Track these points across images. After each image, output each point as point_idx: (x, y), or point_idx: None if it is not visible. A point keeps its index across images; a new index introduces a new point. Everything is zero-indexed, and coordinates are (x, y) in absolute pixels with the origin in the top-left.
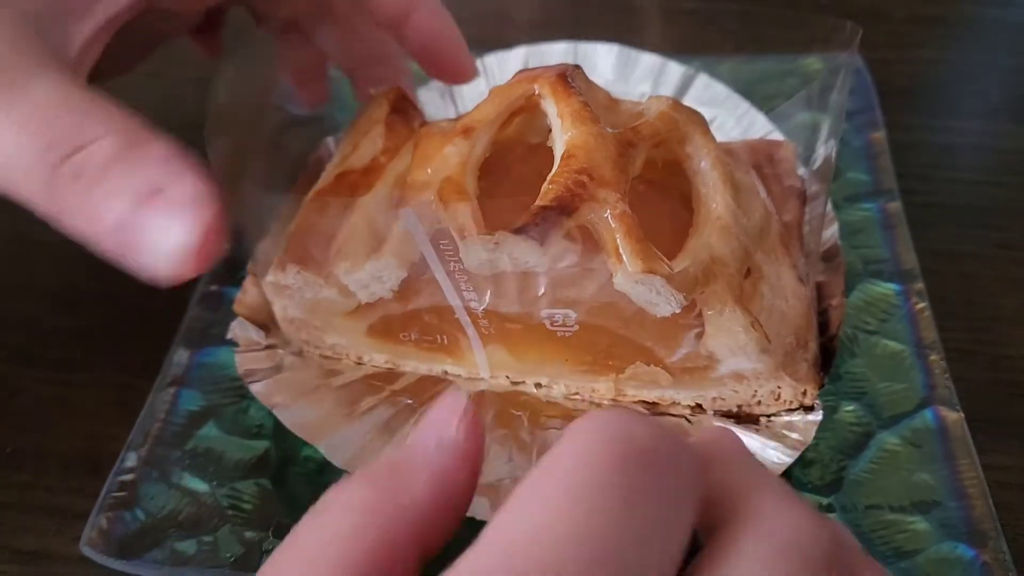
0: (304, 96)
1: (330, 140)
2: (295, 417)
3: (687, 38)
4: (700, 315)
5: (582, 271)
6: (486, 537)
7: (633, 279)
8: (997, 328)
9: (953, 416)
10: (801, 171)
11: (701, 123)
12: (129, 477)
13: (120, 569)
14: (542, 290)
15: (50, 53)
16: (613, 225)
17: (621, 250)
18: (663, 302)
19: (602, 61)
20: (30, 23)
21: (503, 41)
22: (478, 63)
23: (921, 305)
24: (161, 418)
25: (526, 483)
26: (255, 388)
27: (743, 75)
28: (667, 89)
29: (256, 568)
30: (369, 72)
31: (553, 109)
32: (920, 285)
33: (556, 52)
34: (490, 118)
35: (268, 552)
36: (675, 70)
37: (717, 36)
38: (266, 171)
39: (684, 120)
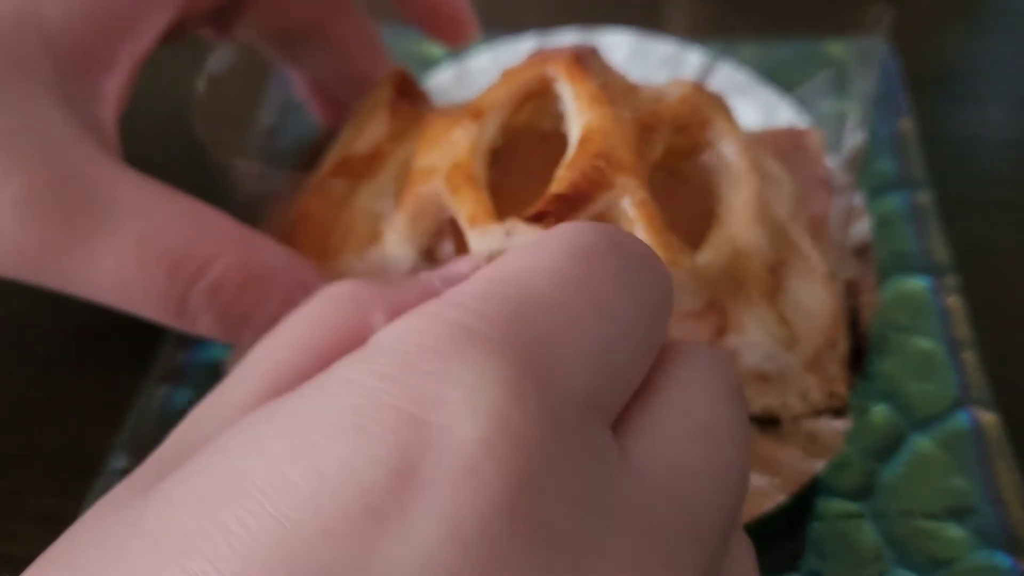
0: (322, 114)
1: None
2: None
3: (706, 21)
4: (722, 310)
5: None
6: (480, 273)
7: None
8: None
9: (988, 417)
10: (828, 161)
11: (724, 109)
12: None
13: None
14: None
15: (99, 139)
16: (632, 214)
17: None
18: (686, 296)
19: (617, 49)
20: (62, 101)
21: (514, 23)
22: (492, 54)
23: (952, 299)
24: (153, 418)
25: (517, 248)
26: None
27: (764, 61)
28: (686, 77)
29: None
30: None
31: (568, 92)
32: (952, 279)
33: (567, 40)
34: (501, 101)
35: None
36: (693, 58)
37: (737, 19)
38: (264, 155)
39: (707, 105)
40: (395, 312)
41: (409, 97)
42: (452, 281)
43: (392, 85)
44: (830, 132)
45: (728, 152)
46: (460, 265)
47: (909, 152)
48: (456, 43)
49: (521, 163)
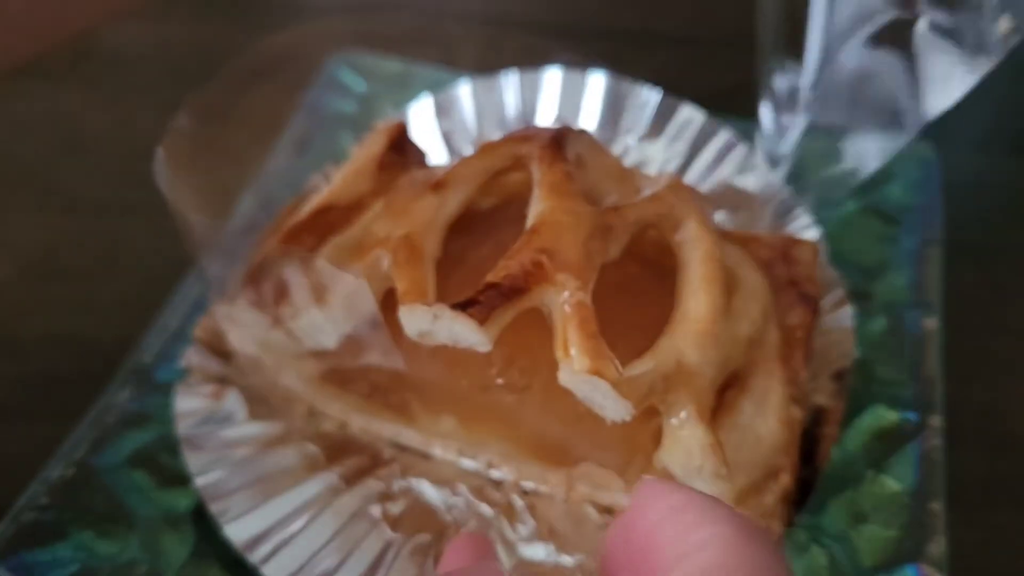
0: None
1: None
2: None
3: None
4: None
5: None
6: None
7: (578, 377)
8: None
9: None
10: (831, 271)
11: (699, 209)
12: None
13: None
14: (493, 368)
15: None
16: (567, 313)
17: (570, 343)
18: (610, 406)
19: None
20: None
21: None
22: (467, 87)
23: (934, 442)
24: (73, 465)
25: None
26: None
27: None
28: (708, 154)
29: None
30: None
31: (537, 175)
32: (937, 420)
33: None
34: (470, 175)
35: None
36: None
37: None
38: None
39: (680, 203)
40: None
41: (402, 152)
42: None
43: (386, 138)
44: None
45: (692, 257)
46: None
47: (927, 271)
48: None
49: (495, 235)
